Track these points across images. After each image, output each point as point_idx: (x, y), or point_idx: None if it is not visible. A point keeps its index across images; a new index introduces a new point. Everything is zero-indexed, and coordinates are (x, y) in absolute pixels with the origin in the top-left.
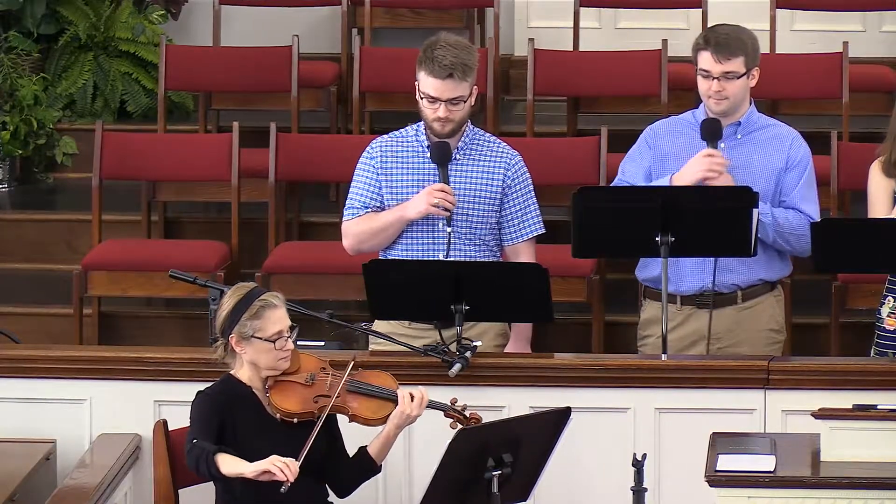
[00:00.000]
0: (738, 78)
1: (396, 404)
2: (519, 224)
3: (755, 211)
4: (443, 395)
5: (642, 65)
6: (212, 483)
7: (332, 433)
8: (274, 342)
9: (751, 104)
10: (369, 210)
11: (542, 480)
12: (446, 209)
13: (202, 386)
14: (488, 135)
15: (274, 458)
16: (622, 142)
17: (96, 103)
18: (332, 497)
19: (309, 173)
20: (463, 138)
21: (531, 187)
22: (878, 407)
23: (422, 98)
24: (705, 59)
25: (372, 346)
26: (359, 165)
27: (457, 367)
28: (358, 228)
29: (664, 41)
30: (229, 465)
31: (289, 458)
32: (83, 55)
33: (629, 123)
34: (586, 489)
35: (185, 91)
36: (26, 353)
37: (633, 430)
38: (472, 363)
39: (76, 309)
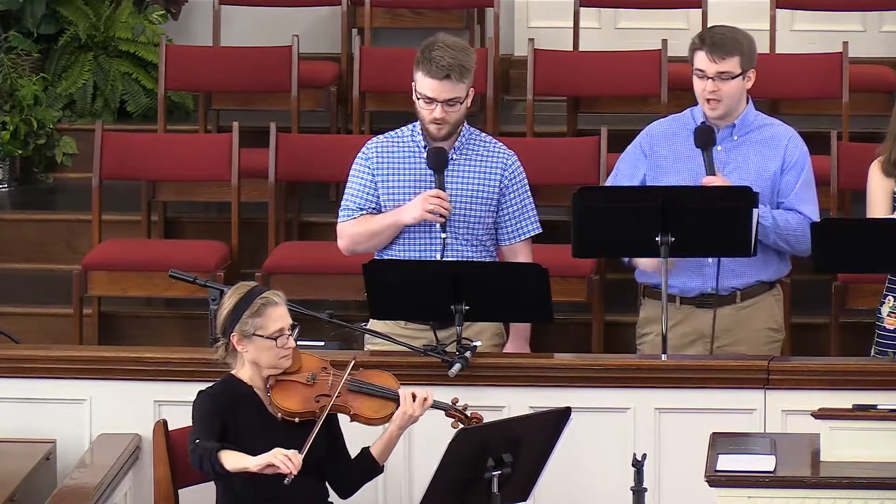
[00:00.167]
0: (734, 78)
1: (398, 404)
2: (516, 224)
3: (755, 211)
4: (443, 395)
5: (642, 65)
6: (212, 483)
7: (332, 432)
8: (275, 339)
9: (748, 103)
10: (364, 212)
11: (542, 480)
12: (441, 215)
13: (202, 386)
14: (484, 134)
15: (277, 450)
16: (622, 142)
17: (96, 103)
18: (332, 497)
19: (309, 173)
20: (459, 138)
21: (528, 187)
22: (878, 407)
23: (418, 99)
24: (701, 59)
25: (368, 346)
26: (354, 166)
27: (457, 367)
28: (353, 231)
29: (664, 41)
30: (233, 460)
31: (291, 451)
32: (83, 55)
33: (629, 123)
34: (586, 489)
35: (185, 91)
36: (26, 353)
37: (633, 430)
38: (472, 363)
39: (76, 309)
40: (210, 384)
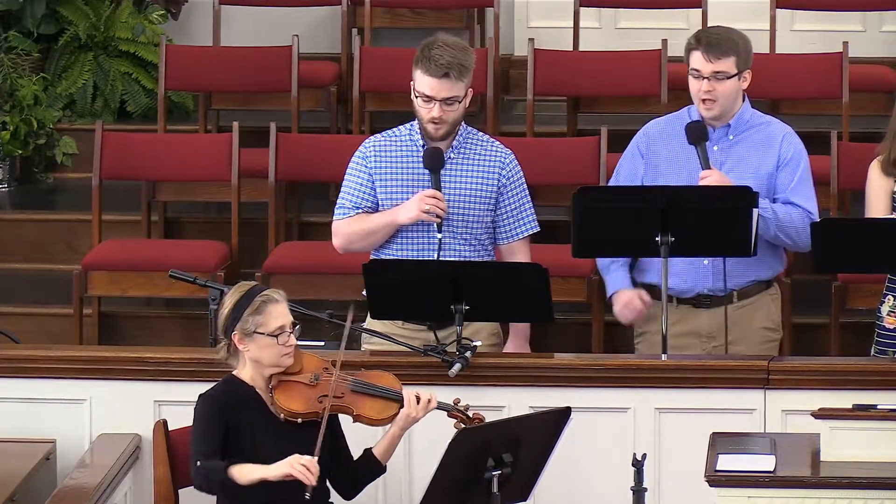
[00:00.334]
0: (729, 79)
1: (400, 404)
2: (514, 222)
3: (755, 211)
4: (443, 395)
5: (642, 65)
6: None
7: (334, 433)
8: (276, 337)
9: (744, 101)
10: (360, 210)
11: (542, 480)
12: (437, 216)
13: (202, 386)
14: (480, 133)
15: (294, 459)
16: (622, 142)
17: (96, 103)
18: (333, 497)
19: (309, 173)
20: (457, 137)
21: (525, 186)
22: (878, 407)
23: (417, 97)
24: (696, 59)
25: (365, 346)
26: (351, 164)
27: (457, 367)
28: (349, 229)
29: (664, 41)
30: (246, 474)
31: (307, 458)
32: (83, 55)
33: (629, 123)
34: (586, 489)
35: (185, 91)
36: (26, 353)
37: (633, 430)
38: (472, 363)
39: (76, 309)
40: (211, 385)
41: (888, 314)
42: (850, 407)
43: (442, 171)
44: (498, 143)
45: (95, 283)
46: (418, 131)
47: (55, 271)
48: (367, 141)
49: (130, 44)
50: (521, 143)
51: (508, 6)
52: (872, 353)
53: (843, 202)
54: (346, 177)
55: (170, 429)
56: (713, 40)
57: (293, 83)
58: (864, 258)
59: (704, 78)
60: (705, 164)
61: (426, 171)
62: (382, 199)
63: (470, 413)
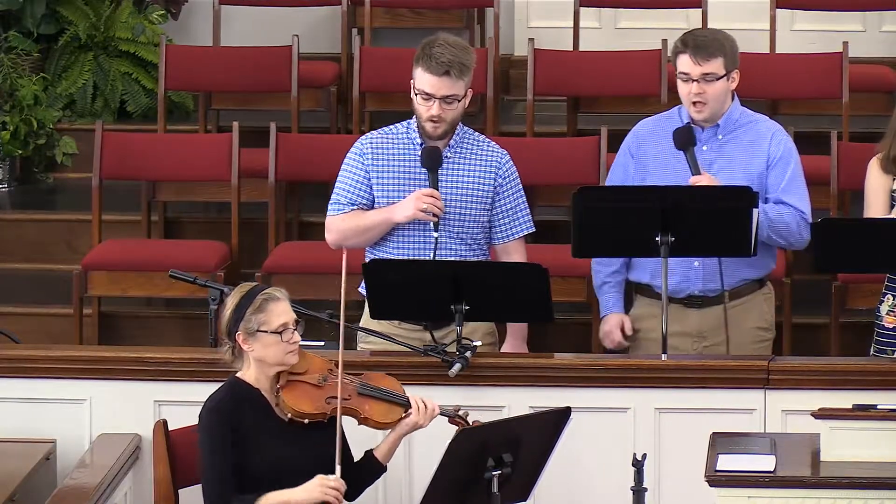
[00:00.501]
0: (718, 80)
1: (405, 408)
2: (510, 223)
3: (755, 211)
4: (443, 394)
5: (642, 65)
6: None
7: (334, 434)
8: (280, 334)
9: (733, 100)
10: (355, 207)
11: (542, 480)
12: (434, 214)
13: (202, 386)
14: (476, 133)
15: (321, 483)
16: (622, 142)
17: (96, 103)
18: None
19: (309, 173)
20: (453, 137)
21: (521, 186)
22: (878, 407)
23: (416, 95)
24: (684, 62)
25: (361, 345)
26: (347, 160)
27: (457, 367)
28: (344, 225)
29: (664, 41)
30: (275, 500)
31: (334, 478)
32: (83, 55)
33: (629, 123)
34: (586, 489)
35: (185, 91)
36: (26, 353)
37: (632, 430)
38: (472, 363)
39: (76, 309)
40: (211, 385)
41: (887, 313)
42: (850, 407)
43: (439, 171)
44: (494, 143)
45: (95, 283)
46: (415, 129)
47: (55, 271)
48: (363, 137)
49: (130, 44)
50: (521, 143)
51: (508, 6)
52: (872, 352)
53: (843, 202)
54: (341, 172)
55: (170, 429)
56: (700, 42)
57: (293, 83)
58: (863, 258)
59: (693, 81)
60: (695, 170)
61: (423, 170)
62: (378, 197)
63: (470, 420)
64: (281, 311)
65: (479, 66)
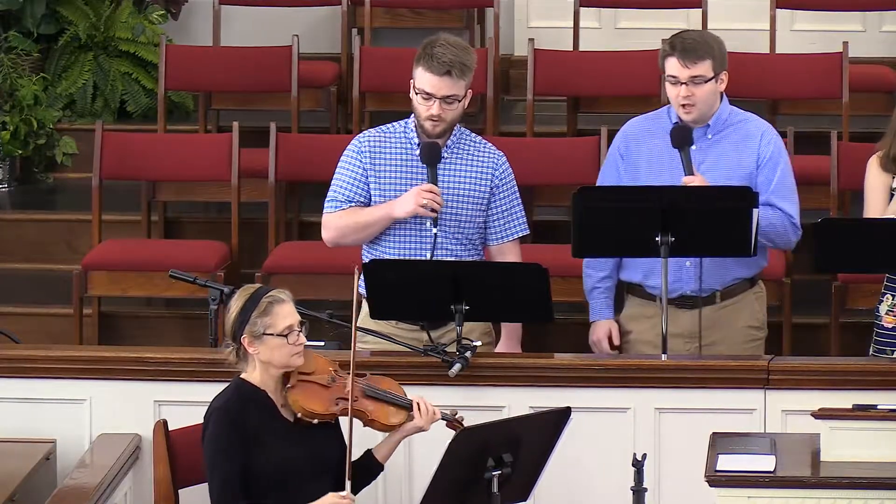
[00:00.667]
0: (707, 82)
1: (408, 411)
2: (505, 224)
3: (755, 211)
4: (443, 395)
5: (642, 65)
6: None
7: (339, 435)
8: (286, 337)
9: (722, 100)
10: (353, 204)
11: (542, 480)
12: (434, 210)
13: (202, 386)
14: (473, 134)
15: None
16: None
17: (96, 103)
18: None
19: (309, 173)
20: (451, 138)
21: (516, 188)
22: (878, 407)
23: (416, 94)
24: (672, 65)
25: (359, 346)
26: (344, 158)
27: (457, 367)
28: (342, 222)
29: (664, 41)
30: None
31: (343, 493)
32: (83, 55)
33: None
34: (586, 489)
35: (185, 91)
36: (26, 353)
37: (632, 430)
38: (472, 363)
39: (76, 309)
40: (214, 387)
41: (887, 313)
42: (850, 407)
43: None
44: (490, 144)
45: (95, 283)
46: (413, 128)
47: (55, 271)
48: (360, 135)
49: (130, 44)
50: (521, 143)
51: (508, 6)
52: (871, 352)
53: (843, 202)
54: (338, 170)
55: (170, 429)
56: (688, 45)
57: (293, 83)
58: (863, 258)
59: (682, 83)
60: (688, 170)
61: (421, 168)
62: (375, 195)
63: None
64: (286, 313)
65: (479, 66)
